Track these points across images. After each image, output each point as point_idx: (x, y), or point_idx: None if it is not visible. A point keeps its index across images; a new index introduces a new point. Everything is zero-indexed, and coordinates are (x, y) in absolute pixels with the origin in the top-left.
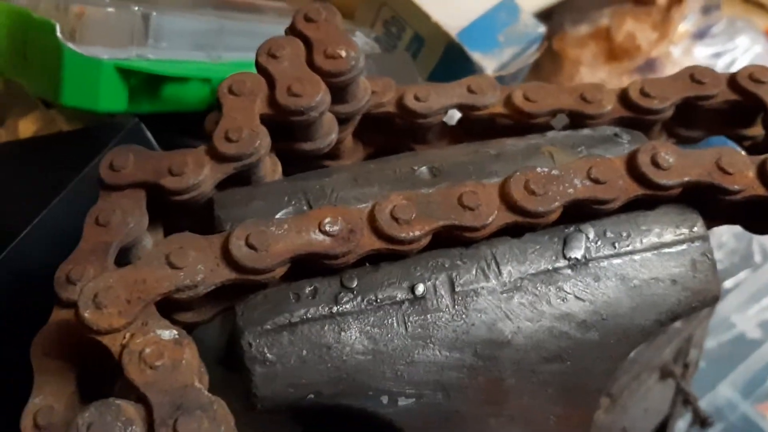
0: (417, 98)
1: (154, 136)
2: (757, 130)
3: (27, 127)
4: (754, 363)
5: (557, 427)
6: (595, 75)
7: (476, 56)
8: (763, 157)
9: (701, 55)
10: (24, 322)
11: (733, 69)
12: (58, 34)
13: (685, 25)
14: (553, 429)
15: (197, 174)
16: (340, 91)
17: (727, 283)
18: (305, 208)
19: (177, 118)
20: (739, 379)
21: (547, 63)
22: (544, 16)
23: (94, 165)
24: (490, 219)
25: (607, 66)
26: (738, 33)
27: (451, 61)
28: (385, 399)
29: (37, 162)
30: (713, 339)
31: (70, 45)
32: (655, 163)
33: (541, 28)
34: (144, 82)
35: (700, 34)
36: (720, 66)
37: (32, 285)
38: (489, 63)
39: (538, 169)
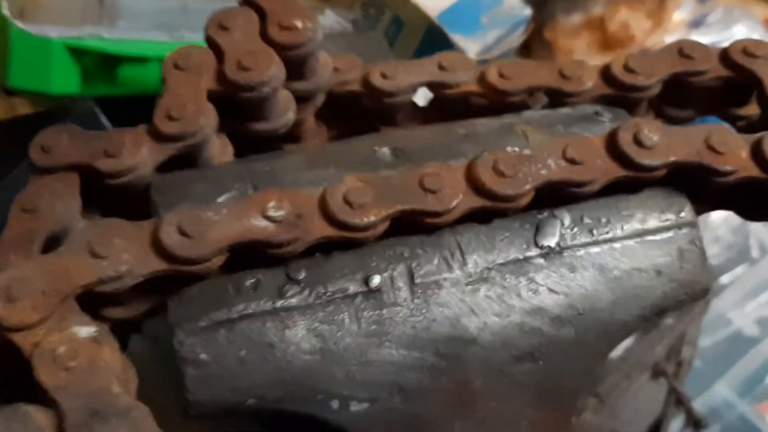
0: (384, 76)
1: (115, 120)
2: (751, 109)
3: None
4: (752, 361)
5: (531, 431)
6: None
7: (458, 39)
8: (758, 135)
9: None
10: None
11: None
12: (5, 11)
13: (680, 13)
14: None
15: (134, 155)
16: (297, 66)
17: (724, 279)
18: (251, 191)
19: (139, 101)
20: (736, 377)
21: (539, 53)
22: (537, 3)
23: None
24: (454, 203)
25: (600, 56)
26: (735, 22)
27: (432, 43)
28: (335, 403)
29: None
30: (709, 337)
31: (18, 23)
32: (637, 142)
33: (527, 11)
34: (99, 63)
35: (696, 23)
36: None
37: None
38: (472, 46)
39: (509, 149)
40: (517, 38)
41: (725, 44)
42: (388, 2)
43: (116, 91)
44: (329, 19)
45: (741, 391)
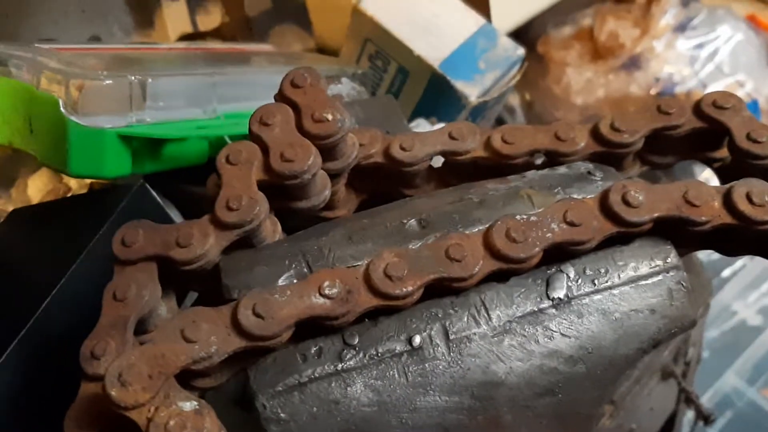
0: (402, 148)
1: (158, 186)
2: (724, 152)
3: (36, 186)
4: (757, 349)
5: None
6: (581, 75)
7: (459, 85)
8: (727, 186)
9: (684, 47)
10: (55, 387)
11: (717, 59)
12: (62, 108)
13: (666, 19)
14: None
15: (203, 244)
16: (329, 150)
17: (726, 272)
18: (305, 269)
19: (180, 172)
20: (743, 366)
21: (533, 66)
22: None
23: (105, 229)
24: (476, 269)
25: (592, 65)
26: (719, 22)
27: (436, 90)
28: None
29: (51, 228)
30: (715, 328)
31: (73, 118)
32: (625, 202)
33: (520, 51)
34: (145, 145)
35: (682, 27)
36: (703, 56)
37: (59, 350)
38: (472, 90)
39: (518, 217)
40: (512, 77)
41: (710, 45)
42: (393, 55)
43: (161, 167)
44: (346, 87)
45: (749, 379)
